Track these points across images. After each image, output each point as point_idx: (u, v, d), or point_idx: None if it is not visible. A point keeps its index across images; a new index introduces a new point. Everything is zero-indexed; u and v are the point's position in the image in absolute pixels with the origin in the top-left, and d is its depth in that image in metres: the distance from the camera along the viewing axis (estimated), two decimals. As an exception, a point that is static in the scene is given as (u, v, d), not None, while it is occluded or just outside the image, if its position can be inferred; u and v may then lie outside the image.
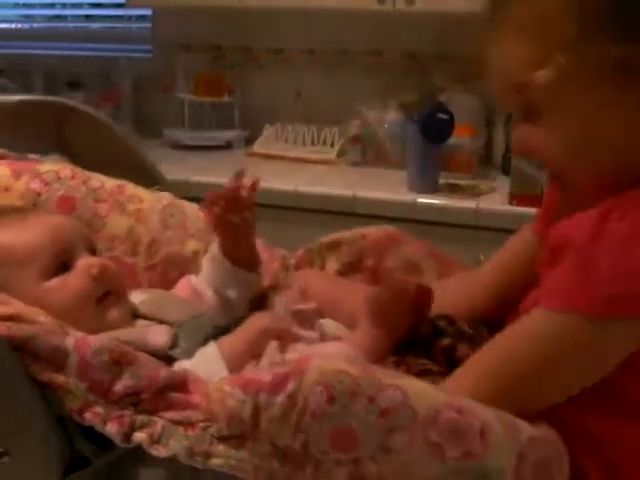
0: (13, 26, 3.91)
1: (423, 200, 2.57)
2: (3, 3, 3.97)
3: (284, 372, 0.94)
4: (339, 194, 2.65)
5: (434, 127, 2.57)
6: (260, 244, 1.55)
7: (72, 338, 1.04)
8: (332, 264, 1.49)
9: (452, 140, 2.66)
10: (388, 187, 2.70)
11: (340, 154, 3.05)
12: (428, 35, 3.12)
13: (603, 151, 0.94)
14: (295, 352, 1.19)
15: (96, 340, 1.05)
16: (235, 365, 1.16)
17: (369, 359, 1.14)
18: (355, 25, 3.19)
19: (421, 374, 1.12)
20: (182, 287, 1.45)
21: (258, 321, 1.24)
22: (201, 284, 1.42)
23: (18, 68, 3.57)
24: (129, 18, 3.66)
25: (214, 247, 1.43)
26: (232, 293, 1.40)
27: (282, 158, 3.09)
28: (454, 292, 1.31)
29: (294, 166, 3.01)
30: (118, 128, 1.81)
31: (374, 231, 1.49)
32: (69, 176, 1.55)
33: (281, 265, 1.54)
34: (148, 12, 3.53)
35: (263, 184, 2.68)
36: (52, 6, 3.92)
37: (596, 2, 0.89)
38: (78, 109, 1.74)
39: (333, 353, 1.16)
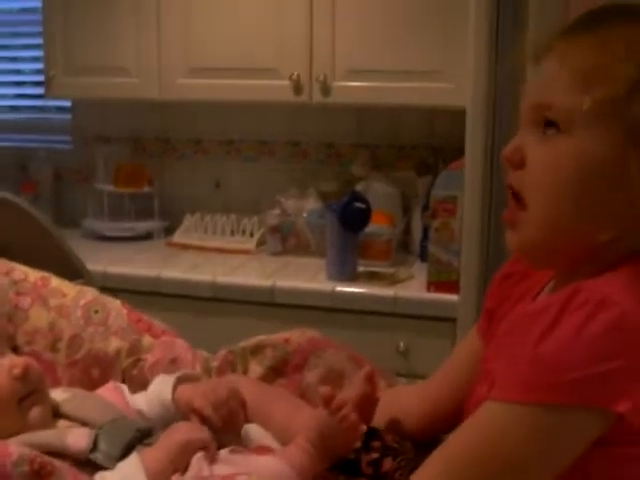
0: None
1: (342, 288, 2.58)
2: None
3: None
4: (257, 284, 2.66)
5: (351, 216, 2.60)
6: (181, 344, 1.54)
7: None
8: (255, 368, 1.48)
9: (370, 228, 2.69)
10: (308, 276, 2.71)
11: (260, 244, 3.06)
12: (345, 125, 3.17)
13: (593, 205, 0.92)
14: (225, 464, 1.16)
15: (16, 450, 1.03)
16: None
17: (302, 478, 1.13)
18: (273, 116, 3.23)
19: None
20: (107, 391, 1.41)
21: (177, 434, 1.19)
22: (135, 403, 1.37)
23: None
24: (49, 109, 3.65)
25: (166, 391, 1.35)
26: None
27: (202, 248, 3.09)
28: (390, 403, 1.29)
29: (214, 256, 3.01)
30: (45, 219, 1.81)
31: (297, 335, 1.49)
32: None
33: (203, 368, 1.52)
34: (67, 104, 3.53)
35: (182, 275, 2.73)
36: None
37: None
38: (6, 199, 1.73)
39: (265, 469, 1.14)
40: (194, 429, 1.22)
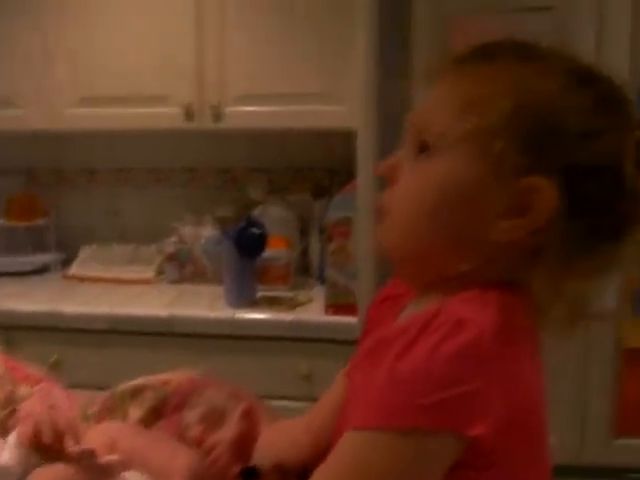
0: None
1: (241, 315, 2.57)
2: None
3: None
4: (156, 314, 2.62)
5: (247, 242, 2.59)
6: (59, 391, 1.50)
7: None
8: (135, 411, 1.45)
9: (267, 253, 2.68)
10: (207, 304, 2.69)
11: (158, 272, 3.03)
12: (240, 149, 3.17)
13: (451, 232, 0.91)
14: None
15: None
16: None
17: None
18: (168, 142, 3.21)
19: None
20: None
21: None
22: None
23: None
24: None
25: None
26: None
27: (99, 280, 3.03)
28: (278, 437, 1.28)
29: (112, 287, 2.96)
30: None
31: (177, 376, 1.47)
32: None
33: (81, 415, 1.48)
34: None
35: (79, 308, 2.68)
36: None
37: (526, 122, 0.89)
38: None
39: None
40: (60, 475, 1.20)
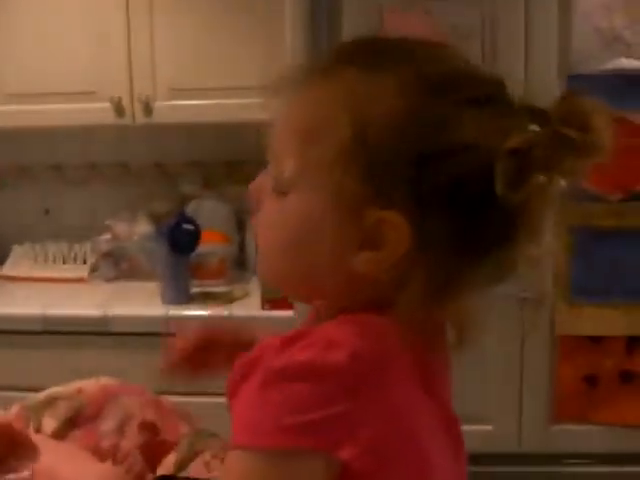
0: None
1: (175, 312, 2.54)
2: None
3: None
4: (90, 314, 2.58)
5: (180, 238, 2.57)
6: None
7: None
8: (49, 421, 1.42)
9: (202, 248, 2.66)
10: (142, 301, 2.66)
11: (93, 270, 2.98)
12: (174, 143, 3.13)
13: (301, 266, 0.89)
14: None
15: None
16: None
17: None
18: (100, 138, 3.15)
19: None
20: None
21: None
22: None
23: None
24: None
25: None
26: None
27: (32, 279, 2.98)
28: None
29: (45, 287, 2.91)
30: None
31: (90, 385, 1.45)
32: None
33: None
34: None
35: (10, 310, 2.63)
36: None
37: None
38: None
39: None
40: None
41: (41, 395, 1.45)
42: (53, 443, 1.35)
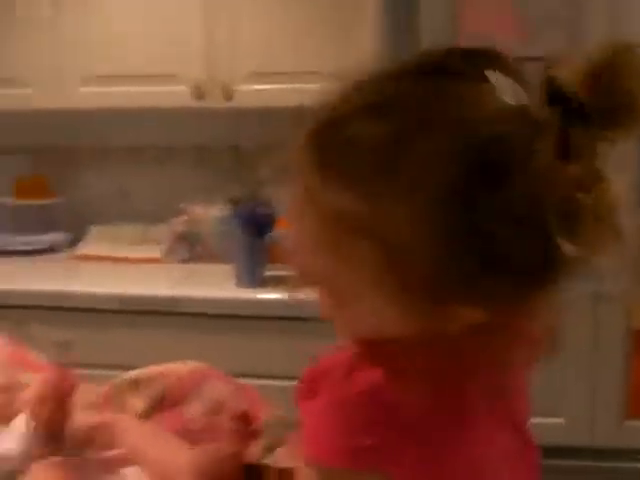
0: None
1: (249, 295, 2.56)
2: None
3: None
4: (165, 294, 2.62)
5: (255, 222, 2.58)
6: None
7: None
8: (136, 402, 1.44)
9: (278, 232, 2.67)
10: (215, 284, 2.68)
11: (167, 252, 3.01)
12: (250, 128, 3.14)
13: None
14: None
15: None
16: None
17: None
18: (178, 122, 3.19)
19: None
20: None
21: None
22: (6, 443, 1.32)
23: None
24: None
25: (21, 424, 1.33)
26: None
27: (108, 259, 3.02)
28: None
29: (121, 267, 2.96)
30: None
31: (179, 368, 1.46)
32: None
33: (85, 404, 1.47)
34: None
35: (87, 288, 2.68)
36: None
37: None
38: None
39: None
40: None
41: (129, 375, 1.46)
42: (139, 424, 1.37)
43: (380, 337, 0.84)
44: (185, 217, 3.01)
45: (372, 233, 0.76)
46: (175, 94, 2.80)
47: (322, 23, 2.69)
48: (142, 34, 2.81)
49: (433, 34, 2.24)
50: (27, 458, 1.27)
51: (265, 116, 3.09)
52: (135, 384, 1.45)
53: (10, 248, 3.14)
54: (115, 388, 1.46)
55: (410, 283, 0.77)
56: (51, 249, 3.18)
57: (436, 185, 0.73)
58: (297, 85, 2.71)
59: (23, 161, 3.28)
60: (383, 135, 0.76)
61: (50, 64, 2.88)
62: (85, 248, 3.12)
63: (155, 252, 3.03)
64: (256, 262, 2.64)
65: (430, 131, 0.74)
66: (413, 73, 0.79)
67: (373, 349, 0.84)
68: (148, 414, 1.40)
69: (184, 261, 2.98)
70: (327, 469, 0.82)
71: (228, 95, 2.78)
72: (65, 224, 3.24)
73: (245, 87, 2.77)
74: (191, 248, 2.99)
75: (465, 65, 0.78)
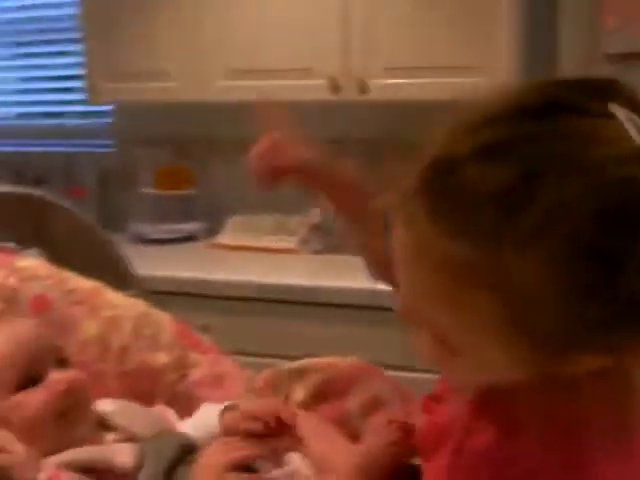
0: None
1: (383, 287, 2.58)
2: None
3: None
4: (302, 284, 2.68)
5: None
6: (228, 362, 1.54)
7: (44, 473, 1.06)
8: (299, 391, 1.45)
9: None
10: (349, 274, 2.72)
11: (302, 243, 3.08)
12: (383, 122, 3.17)
13: None
14: None
15: (67, 477, 1.06)
16: None
17: None
18: (313, 115, 3.23)
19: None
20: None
21: (215, 461, 1.19)
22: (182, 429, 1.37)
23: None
24: (91, 114, 3.69)
25: (213, 423, 1.35)
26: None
27: (245, 249, 3.11)
28: None
29: (258, 256, 3.04)
30: (97, 226, 1.82)
31: (343, 361, 1.44)
32: (46, 275, 1.55)
33: (247, 388, 1.51)
34: (109, 108, 3.57)
35: (227, 276, 2.75)
36: (17, 104, 3.99)
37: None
38: (60, 205, 1.77)
39: None
40: (231, 451, 1.22)
41: (293, 364, 1.47)
42: (304, 413, 1.40)
43: (491, 386, 0.82)
44: (320, 208, 3.06)
45: (491, 284, 0.71)
46: (312, 88, 2.85)
47: (457, 19, 2.68)
48: (280, 30, 2.87)
49: (572, 31, 2.22)
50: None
51: (399, 110, 3.12)
52: (296, 374, 1.45)
53: (153, 236, 3.26)
54: (275, 376, 1.47)
55: (533, 334, 0.73)
56: (190, 238, 3.29)
57: (565, 234, 0.68)
58: (431, 80, 2.72)
59: (165, 152, 3.40)
60: (503, 180, 0.70)
61: (194, 59, 2.98)
62: (223, 237, 3.21)
63: (290, 243, 3.10)
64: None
65: (555, 175, 0.69)
66: (529, 110, 0.73)
67: (486, 401, 0.83)
68: (307, 405, 1.42)
69: (318, 252, 3.04)
70: None
71: (363, 89, 2.81)
72: (204, 214, 3.34)
73: (380, 81, 2.79)
74: (325, 239, 3.04)
75: (586, 98, 0.73)
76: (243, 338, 2.61)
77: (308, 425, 1.34)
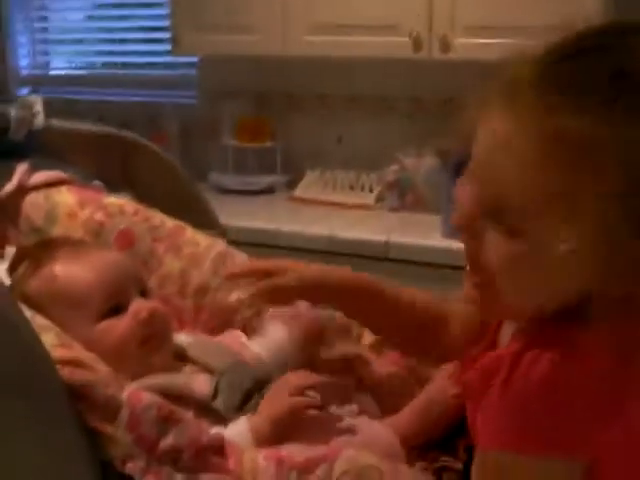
0: (68, 73, 4.08)
1: (456, 245, 2.59)
2: (62, 52, 4.14)
3: (317, 456, 1.02)
4: (373, 239, 2.72)
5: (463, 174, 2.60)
6: (303, 302, 1.57)
7: (126, 391, 1.10)
8: (368, 336, 1.50)
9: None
10: (423, 232, 2.75)
11: (378, 199, 3.11)
12: (465, 82, 3.15)
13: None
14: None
15: (147, 396, 1.10)
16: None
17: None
18: (394, 72, 3.24)
19: (440, 470, 1.19)
20: (226, 337, 1.47)
21: (284, 401, 1.22)
22: (253, 349, 1.42)
23: (71, 111, 3.67)
24: (176, 65, 3.75)
25: (283, 335, 1.42)
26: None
27: (322, 203, 3.16)
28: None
29: (333, 211, 3.08)
30: (181, 169, 1.86)
31: None
32: (132, 212, 1.61)
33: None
34: (194, 59, 3.63)
35: (301, 228, 2.79)
36: (104, 54, 4.08)
37: None
38: (146, 146, 1.80)
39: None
40: (302, 381, 1.27)
41: None
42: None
43: (544, 312, 0.84)
44: (397, 166, 3.07)
45: (612, 154, 0.76)
46: (395, 45, 2.86)
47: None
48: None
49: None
50: (283, 365, 1.36)
51: (481, 70, 3.10)
52: None
53: (232, 187, 3.32)
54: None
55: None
56: (269, 190, 3.34)
57: None
58: (514, 40, 2.69)
59: (246, 105, 3.44)
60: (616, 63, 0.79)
61: (279, 13, 3.01)
62: (301, 191, 3.25)
63: (367, 199, 3.13)
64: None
65: None
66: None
67: (538, 330, 0.85)
68: (376, 348, 1.47)
69: (394, 209, 3.06)
70: (512, 458, 0.83)
71: (446, 47, 2.81)
72: (282, 167, 3.39)
73: (463, 40, 2.79)
74: (401, 197, 3.06)
75: None
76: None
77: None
